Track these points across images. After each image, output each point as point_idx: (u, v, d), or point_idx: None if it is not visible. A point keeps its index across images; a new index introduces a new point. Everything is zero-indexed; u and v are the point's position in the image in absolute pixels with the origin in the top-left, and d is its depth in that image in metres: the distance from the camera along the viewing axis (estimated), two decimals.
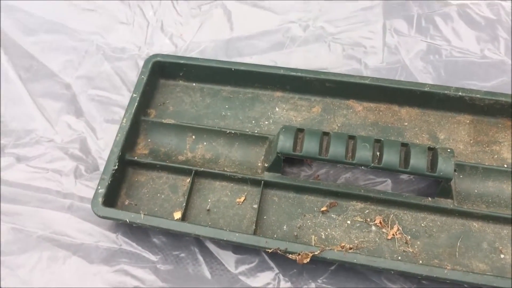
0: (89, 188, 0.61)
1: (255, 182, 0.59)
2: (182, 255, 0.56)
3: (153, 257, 0.56)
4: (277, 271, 0.55)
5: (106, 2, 0.78)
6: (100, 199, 0.55)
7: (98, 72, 0.72)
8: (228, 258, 0.56)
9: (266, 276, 0.55)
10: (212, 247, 0.57)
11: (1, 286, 0.55)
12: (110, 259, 0.56)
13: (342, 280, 0.54)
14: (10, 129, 0.67)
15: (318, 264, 0.54)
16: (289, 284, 0.54)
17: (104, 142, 0.65)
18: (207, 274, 0.55)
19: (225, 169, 0.60)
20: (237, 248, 0.56)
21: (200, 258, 0.56)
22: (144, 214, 0.54)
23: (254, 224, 0.55)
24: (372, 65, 0.70)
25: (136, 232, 0.58)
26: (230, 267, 0.55)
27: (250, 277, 0.55)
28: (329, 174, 0.61)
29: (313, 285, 0.54)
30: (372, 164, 0.53)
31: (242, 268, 0.55)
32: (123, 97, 0.69)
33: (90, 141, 0.65)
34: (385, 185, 0.60)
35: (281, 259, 0.53)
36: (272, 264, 0.55)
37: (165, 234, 0.58)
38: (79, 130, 0.66)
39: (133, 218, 0.54)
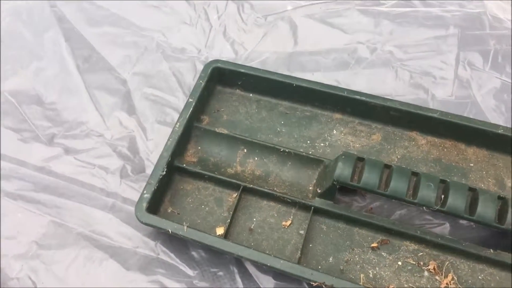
0: (134, 190, 0.59)
1: (304, 207, 0.56)
2: (220, 273, 0.54)
3: (190, 272, 0.54)
4: None
5: (172, 1, 0.77)
6: (145, 205, 0.53)
7: (156, 71, 0.70)
8: (267, 284, 0.53)
9: None
10: (252, 269, 0.54)
11: (33, 279, 0.54)
12: (147, 268, 0.54)
13: None
14: (62, 119, 0.66)
15: None
16: None
17: (154, 144, 0.63)
18: None
19: (275, 188, 0.57)
20: (278, 274, 0.53)
21: (238, 279, 0.53)
22: (187, 227, 0.51)
23: (299, 252, 0.52)
24: (440, 97, 0.66)
25: (176, 243, 0.56)
26: None
27: None
28: (383, 208, 0.57)
29: None
30: (436, 207, 0.49)
31: None
32: (177, 100, 0.67)
33: (139, 141, 0.64)
34: (443, 228, 0.56)
35: None
36: None
37: (205, 249, 0.55)
38: (130, 128, 0.65)
39: (176, 229, 0.51)
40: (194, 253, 0.55)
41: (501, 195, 0.50)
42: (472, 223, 0.56)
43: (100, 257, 0.55)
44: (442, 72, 0.68)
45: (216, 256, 0.55)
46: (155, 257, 0.55)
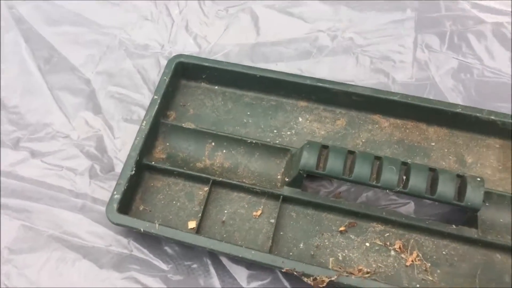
0: (103, 189, 0.60)
1: (273, 196, 0.57)
2: (194, 266, 0.55)
3: (164, 266, 0.55)
4: None
5: None
6: (115, 205, 0.53)
7: (119, 68, 0.70)
8: (240, 273, 0.54)
9: None
10: (225, 260, 0.55)
11: (6, 284, 0.54)
12: (120, 265, 0.55)
13: None
14: (26, 122, 0.66)
15: (336, 286, 0.52)
16: None
17: (121, 142, 0.63)
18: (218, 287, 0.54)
19: (244, 180, 0.58)
20: (252, 263, 0.54)
21: (212, 270, 0.54)
22: (158, 224, 0.52)
23: (270, 240, 0.54)
24: (400, 80, 0.68)
25: (149, 239, 0.56)
26: (242, 282, 0.54)
27: None
28: (350, 192, 0.59)
29: None
30: (398, 189, 0.51)
31: (255, 284, 0.54)
32: (142, 96, 0.67)
33: (106, 140, 0.64)
34: (408, 207, 0.58)
35: (295, 278, 0.51)
36: (285, 283, 0.54)
37: (179, 243, 0.56)
38: (96, 127, 0.65)
39: (148, 227, 0.52)
40: (167, 248, 0.56)
41: (460, 174, 0.52)
42: None
43: (73, 257, 0.56)
44: (401, 56, 0.70)
45: (189, 249, 0.56)
46: (129, 254, 0.56)
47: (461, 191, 0.51)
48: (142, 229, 0.52)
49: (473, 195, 0.50)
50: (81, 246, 0.56)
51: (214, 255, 0.55)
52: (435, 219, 0.57)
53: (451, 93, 0.67)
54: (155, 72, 0.69)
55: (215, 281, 0.54)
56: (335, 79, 0.66)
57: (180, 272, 0.54)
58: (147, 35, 0.73)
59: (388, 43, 0.71)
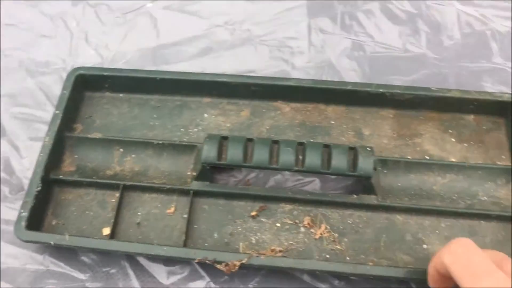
0: (14, 210, 0.59)
1: (184, 192, 0.59)
2: (112, 271, 0.56)
3: (82, 276, 0.55)
4: (208, 279, 0.55)
5: (27, 16, 0.76)
6: (23, 223, 0.53)
7: (21, 88, 0.69)
8: (159, 270, 0.56)
9: (198, 286, 0.55)
10: (143, 260, 0.56)
11: None
12: (37, 282, 0.55)
13: (274, 282, 0.55)
14: None
15: (250, 269, 0.55)
16: None
17: (29, 161, 0.63)
18: None
19: (154, 181, 0.59)
20: (168, 259, 0.56)
21: (131, 272, 0.56)
22: (69, 235, 0.53)
23: (184, 235, 0.55)
24: (299, 65, 0.71)
25: (64, 252, 0.57)
26: (161, 279, 0.55)
27: None
28: (259, 178, 0.62)
29: None
30: (295, 168, 0.54)
31: (174, 279, 0.55)
32: (47, 113, 0.67)
33: (13, 161, 0.63)
34: (313, 184, 0.61)
35: (211, 267, 0.53)
36: (203, 273, 0.55)
37: (95, 251, 0.57)
38: (2, 150, 0.64)
39: (58, 240, 0.53)
40: (84, 258, 0.56)
41: (351, 146, 0.56)
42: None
43: None
44: (297, 42, 0.73)
45: (106, 256, 0.57)
46: (45, 270, 0.56)
47: (354, 162, 0.55)
48: (52, 242, 0.52)
49: (364, 164, 0.54)
50: None
51: (131, 258, 0.57)
52: (340, 192, 0.60)
53: (348, 72, 0.70)
54: (58, 88, 0.68)
55: (134, 282, 0.55)
56: (237, 71, 0.68)
57: (98, 279, 0.55)
58: (47, 52, 0.73)
59: (284, 30, 0.74)
